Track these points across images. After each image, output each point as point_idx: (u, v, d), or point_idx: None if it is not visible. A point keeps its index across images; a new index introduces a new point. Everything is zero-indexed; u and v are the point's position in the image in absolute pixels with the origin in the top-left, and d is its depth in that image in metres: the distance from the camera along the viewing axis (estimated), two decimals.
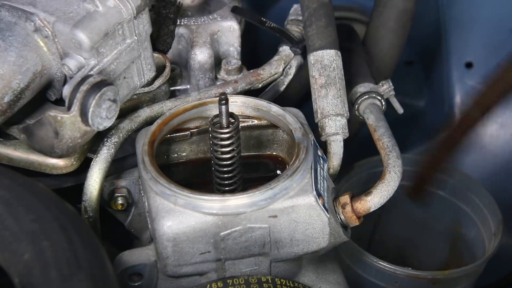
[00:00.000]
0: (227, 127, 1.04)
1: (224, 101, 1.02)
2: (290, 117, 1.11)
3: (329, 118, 1.20)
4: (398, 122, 1.41)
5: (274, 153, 1.20)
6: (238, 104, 1.14)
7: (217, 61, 1.37)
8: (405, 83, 1.86)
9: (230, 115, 1.04)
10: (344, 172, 1.54)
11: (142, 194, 1.13)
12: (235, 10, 1.40)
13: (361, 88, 1.31)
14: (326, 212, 1.02)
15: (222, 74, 1.37)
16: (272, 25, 1.39)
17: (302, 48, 1.39)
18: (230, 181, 1.08)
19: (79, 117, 1.00)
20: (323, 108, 1.21)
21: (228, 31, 1.39)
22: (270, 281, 0.99)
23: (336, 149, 1.20)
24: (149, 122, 1.17)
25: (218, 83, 1.34)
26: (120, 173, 1.18)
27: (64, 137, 1.02)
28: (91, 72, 1.03)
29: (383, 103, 1.30)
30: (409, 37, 1.45)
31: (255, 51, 1.90)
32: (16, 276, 0.85)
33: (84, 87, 0.98)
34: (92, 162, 1.12)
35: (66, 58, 1.05)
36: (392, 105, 1.37)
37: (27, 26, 1.06)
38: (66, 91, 1.00)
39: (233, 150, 1.06)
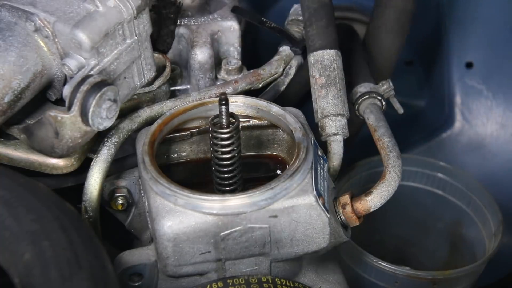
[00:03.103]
0: (227, 127, 1.04)
1: (224, 101, 1.02)
2: (290, 117, 1.11)
3: (329, 118, 1.20)
4: (398, 122, 1.41)
5: (274, 153, 1.20)
6: (238, 104, 1.14)
7: (217, 61, 1.37)
8: (405, 83, 1.87)
9: (230, 115, 1.04)
10: (344, 172, 1.54)
11: (142, 194, 1.13)
12: (235, 10, 1.40)
13: (361, 88, 1.31)
14: (326, 212, 1.02)
15: (222, 74, 1.37)
16: (272, 25, 1.39)
17: (302, 48, 1.39)
18: (230, 181, 1.08)
19: (79, 117, 1.00)
20: (323, 108, 1.21)
21: (229, 31, 1.38)
22: (270, 281, 0.99)
23: (336, 149, 1.20)
24: (149, 122, 1.17)
25: (218, 83, 1.34)
26: (120, 173, 1.18)
27: (64, 137, 1.02)
28: (91, 72, 1.03)
29: (383, 103, 1.30)
30: (409, 37, 1.45)
31: (255, 51, 1.90)
32: (16, 276, 0.85)
33: (84, 87, 0.98)
34: (92, 162, 1.12)
35: (66, 58, 1.05)
36: (392, 105, 1.37)
37: (27, 26, 1.06)
38: (66, 91, 1.00)
39: (233, 150, 1.06)
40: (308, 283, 1.12)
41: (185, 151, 1.18)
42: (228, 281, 0.99)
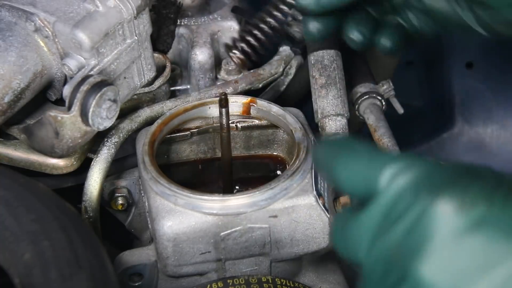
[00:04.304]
0: (228, 126, 1.04)
1: (224, 102, 1.01)
2: (291, 117, 1.11)
3: (329, 118, 1.20)
4: (398, 122, 1.41)
5: (275, 153, 1.20)
6: (239, 104, 1.14)
7: (218, 61, 1.37)
8: (405, 83, 1.86)
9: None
10: None
11: (143, 194, 1.13)
12: (235, 10, 1.40)
13: (362, 88, 1.31)
14: (326, 212, 1.02)
15: (222, 74, 1.37)
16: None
17: (303, 48, 1.39)
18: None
19: (79, 117, 1.00)
20: (323, 108, 1.21)
21: (229, 31, 1.38)
22: (270, 281, 0.99)
23: None
24: (149, 122, 1.17)
25: (218, 83, 1.34)
26: (120, 173, 1.18)
27: (64, 137, 1.02)
28: (92, 72, 1.03)
29: (383, 103, 1.30)
30: None
31: None
32: (16, 276, 0.85)
33: (84, 87, 0.98)
34: (93, 162, 1.12)
35: (67, 58, 1.05)
36: (392, 105, 1.37)
37: (27, 26, 1.06)
38: (67, 91, 1.00)
39: None
40: (308, 283, 1.11)
41: (185, 151, 1.18)
42: (228, 281, 0.99)
